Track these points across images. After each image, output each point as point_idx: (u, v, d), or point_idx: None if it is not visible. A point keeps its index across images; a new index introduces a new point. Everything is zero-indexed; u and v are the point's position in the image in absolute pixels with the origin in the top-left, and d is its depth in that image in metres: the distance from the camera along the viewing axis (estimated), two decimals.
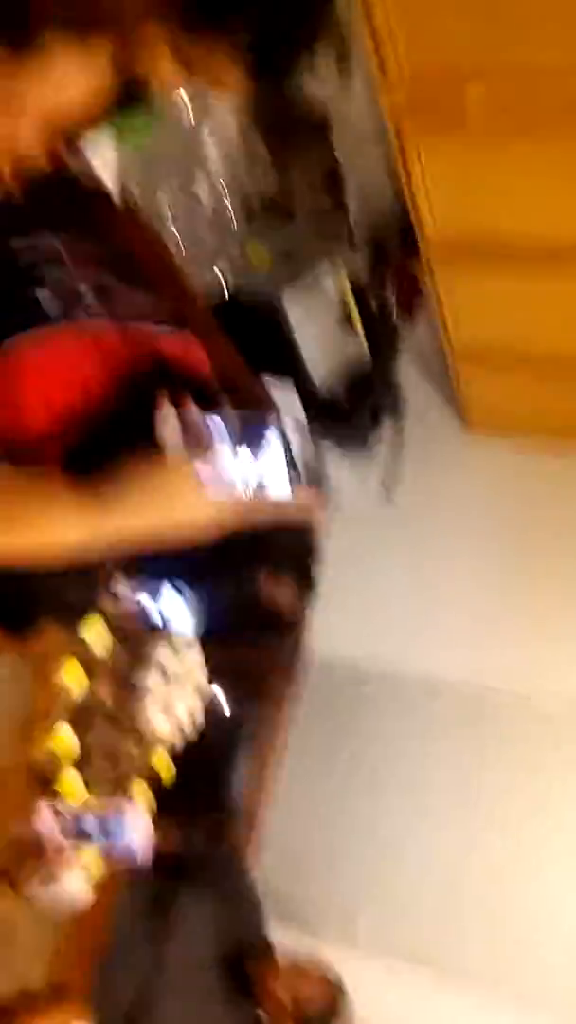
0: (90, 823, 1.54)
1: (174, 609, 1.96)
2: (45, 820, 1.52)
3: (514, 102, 1.73)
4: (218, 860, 2.65)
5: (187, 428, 0.81)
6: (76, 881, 1.90)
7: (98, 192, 1.77)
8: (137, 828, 1.56)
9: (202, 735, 2.69)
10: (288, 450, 0.80)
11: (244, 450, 0.80)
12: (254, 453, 0.80)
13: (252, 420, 0.81)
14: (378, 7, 1.64)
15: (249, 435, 0.80)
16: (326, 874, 2.83)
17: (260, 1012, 2.35)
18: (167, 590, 1.90)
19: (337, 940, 2.67)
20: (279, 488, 0.80)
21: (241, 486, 0.80)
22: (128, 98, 1.32)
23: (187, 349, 1.18)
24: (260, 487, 0.81)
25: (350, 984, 2.30)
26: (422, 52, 1.73)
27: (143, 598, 1.91)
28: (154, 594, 1.91)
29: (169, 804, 2.58)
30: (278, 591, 2.53)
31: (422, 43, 1.71)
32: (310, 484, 0.82)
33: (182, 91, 1.90)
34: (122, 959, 2.31)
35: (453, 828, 2.77)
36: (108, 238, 1.45)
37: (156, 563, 1.23)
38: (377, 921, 2.73)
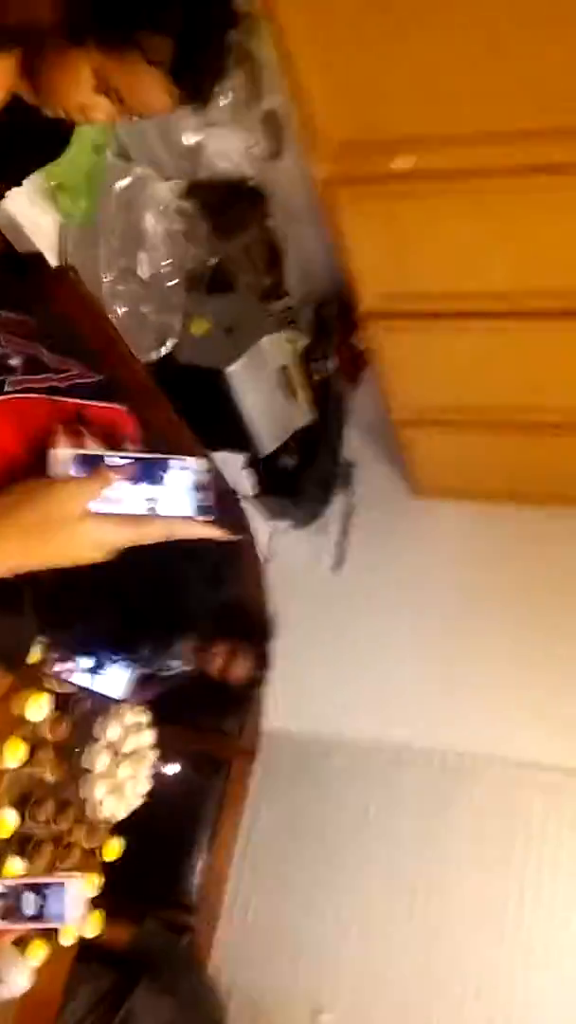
0: (28, 898, 1.45)
1: (115, 683, 1.91)
2: None
3: (442, 169, 1.80)
4: (175, 956, 2.52)
5: (83, 462, 0.81)
6: (20, 977, 1.79)
7: (35, 260, 1.79)
8: (76, 902, 1.48)
9: (157, 821, 2.59)
10: (195, 486, 0.80)
11: (142, 485, 0.80)
12: (152, 486, 0.80)
13: (155, 459, 0.81)
14: (303, 81, 1.71)
15: (149, 471, 0.80)
16: (289, 967, 2.71)
17: None
18: (110, 665, 1.86)
19: None
20: (179, 511, 0.80)
21: (134, 511, 0.80)
22: (57, 142, 1.36)
23: (114, 419, 1.17)
24: (153, 512, 0.80)
25: None
26: (351, 124, 1.80)
27: (81, 674, 1.85)
28: (95, 669, 1.85)
29: (123, 894, 2.46)
30: (234, 666, 2.50)
31: (350, 115, 1.79)
32: (207, 516, 0.81)
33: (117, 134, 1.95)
34: None
35: (422, 911, 2.68)
36: (44, 308, 1.47)
37: (88, 634, 1.19)
38: (344, 1019, 2.61)
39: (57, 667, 1.83)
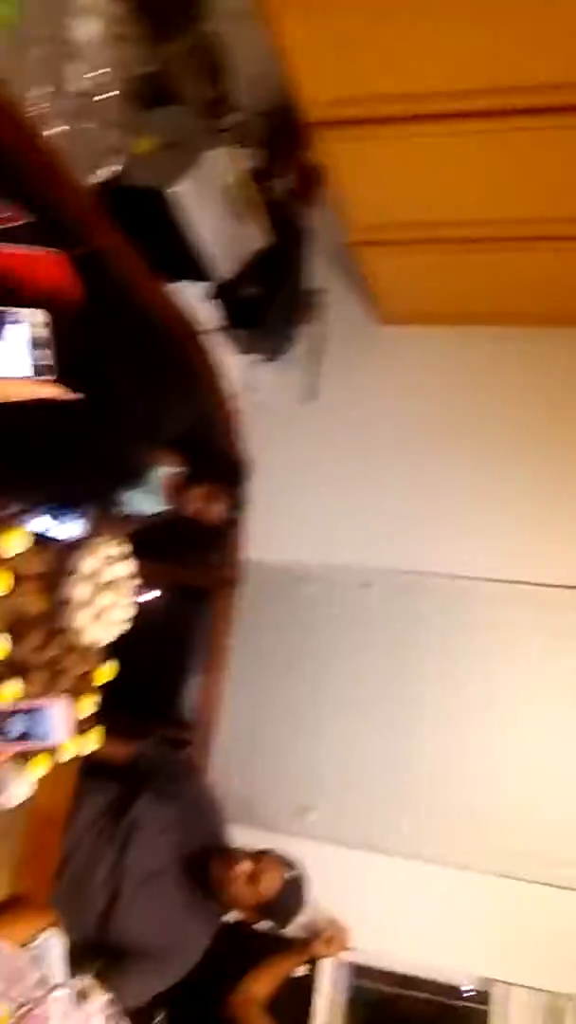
0: (14, 721, 1.54)
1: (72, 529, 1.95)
2: None
3: None
4: (176, 767, 2.70)
5: None
6: (20, 788, 1.92)
7: None
8: (60, 723, 1.57)
9: (151, 646, 2.71)
10: (32, 342, 0.74)
11: None
12: None
13: None
14: None
15: None
16: (278, 773, 2.91)
17: (222, 907, 2.44)
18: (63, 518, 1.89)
19: (291, 833, 2.76)
20: (13, 372, 0.74)
21: None
22: None
23: (36, 263, 1.13)
24: None
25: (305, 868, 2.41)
26: None
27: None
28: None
29: (124, 714, 2.61)
30: (210, 507, 2.54)
31: None
32: (42, 374, 0.75)
33: None
34: (84, 866, 2.35)
35: (393, 718, 2.86)
36: None
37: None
38: (327, 814, 2.83)
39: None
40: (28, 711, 1.55)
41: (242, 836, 2.57)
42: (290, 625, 3.01)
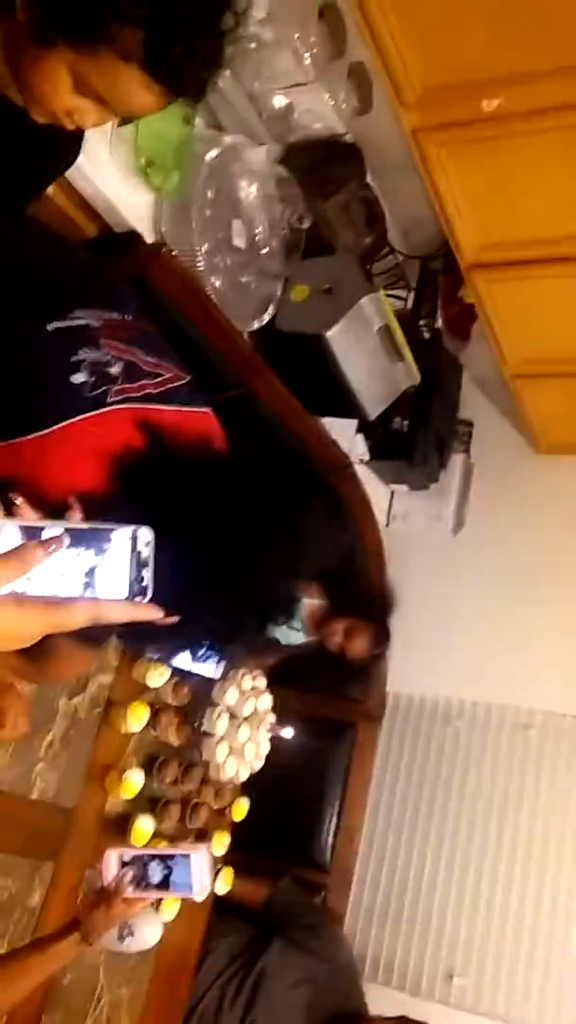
0: (154, 868, 1.50)
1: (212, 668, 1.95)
2: (109, 867, 1.50)
3: (531, 107, 1.72)
4: (310, 913, 2.57)
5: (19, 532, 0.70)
6: (151, 932, 1.88)
7: (131, 238, 1.83)
8: (202, 871, 1.51)
9: (289, 784, 2.64)
10: (134, 562, 0.72)
11: (79, 553, 0.71)
12: (92, 557, 0.71)
13: (96, 529, 0.72)
14: (384, 30, 1.66)
15: (89, 541, 0.71)
16: (420, 930, 2.71)
17: None
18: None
19: (433, 1000, 2.55)
20: (108, 592, 0.71)
21: (66, 589, 0.70)
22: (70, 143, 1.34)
23: (201, 425, 1.16)
24: (90, 586, 0.71)
25: None
26: (433, 71, 1.74)
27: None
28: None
29: (259, 854, 2.53)
30: (353, 642, 2.49)
31: (432, 62, 1.73)
32: (142, 595, 0.73)
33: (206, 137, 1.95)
34: (212, 1018, 2.25)
35: (551, 877, 2.62)
36: (149, 294, 1.47)
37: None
38: (474, 982, 2.60)
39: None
40: (165, 857, 1.51)
41: (377, 996, 2.39)
42: (437, 766, 2.86)
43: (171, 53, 1.01)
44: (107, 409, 1.04)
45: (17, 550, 0.68)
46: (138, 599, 0.72)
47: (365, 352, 2.24)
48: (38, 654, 1.15)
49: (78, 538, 0.70)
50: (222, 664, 1.89)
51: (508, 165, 1.92)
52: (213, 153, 1.93)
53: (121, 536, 0.72)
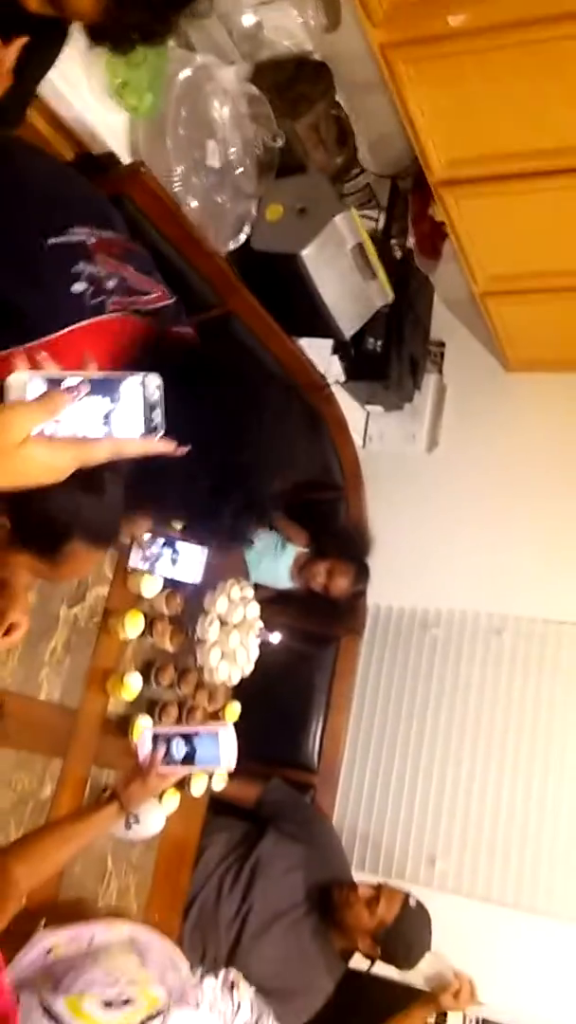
0: (181, 744, 1.62)
1: (193, 570, 2.05)
2: (144, 744, 1.63)
3: (496, 21, 1.76)
4: (300, 809, 2.74)
5: (43, 386, 0.80)
6: (155, 820, 2.01)
7: (108, 160, 1.87)
8: (230, 745, 1.64)
9: (277, 690, 2.78)
10: (146, 404, 0.82)
11: (97, 402, 0.80)
12: (107, 403, 0.81)
13: (110, 377, 0.82)
14: None
15: (104, 388, 0.81)
16: (403, 820, 2.90)
17: (346, 949, 2.44)
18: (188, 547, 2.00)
19: (417, 882, 2.74)
20: (125, 432, 0.81)
21: (88, 430, 0.80)
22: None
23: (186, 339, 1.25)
24: (108, 428, 0.81)
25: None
26: None
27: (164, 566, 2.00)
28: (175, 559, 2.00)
29: (249, 757, 2.68)
30: (335, 581, 2.67)
31: None
32: (156, 433, 0.83)
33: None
34: (212, 904, 2.41)
35: (525, 765, 2.81)
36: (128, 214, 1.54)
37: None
38: (454, 865, 2.79)
39: (137, 562, 1.97)
40: (191, 735, 1.63)
41: (364, 878, 2.57)
42: (416, 670, 3.02)
43: None
44: (107, 316, 1.12)
45: (45, 396, 0.78)
46: (151, 436, 0.82)
47: (339, 270, 2.30)
48: (52, 555, 1.25)
49: (96, 386, 0.80)
50: (202, 568, 2.00)
51: (475, 80, 1.97)
52: (186, 73, 1.96)
53: (132, 382, 0.81)
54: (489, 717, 2.88)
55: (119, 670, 2.03)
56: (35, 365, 0.83)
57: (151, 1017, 0.98)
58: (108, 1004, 0.97)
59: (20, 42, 1.25)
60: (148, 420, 0.82)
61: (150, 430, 0.82)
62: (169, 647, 2.13)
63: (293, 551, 2.76)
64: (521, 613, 2.95)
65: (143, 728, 1.62)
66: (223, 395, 1.11)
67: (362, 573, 2.74)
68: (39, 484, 0.82)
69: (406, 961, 2.42)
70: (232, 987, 1.07)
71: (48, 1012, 0.95)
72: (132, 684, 2.00)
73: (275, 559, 2.75)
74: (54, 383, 0.79)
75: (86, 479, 1.22)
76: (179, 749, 1.60)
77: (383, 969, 2.49)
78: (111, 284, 1.17)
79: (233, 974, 1.10)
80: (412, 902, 2.36)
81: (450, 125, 2.10)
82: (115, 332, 1.13)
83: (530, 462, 3.12)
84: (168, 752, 1.60)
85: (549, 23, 1.80)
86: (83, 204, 1.27)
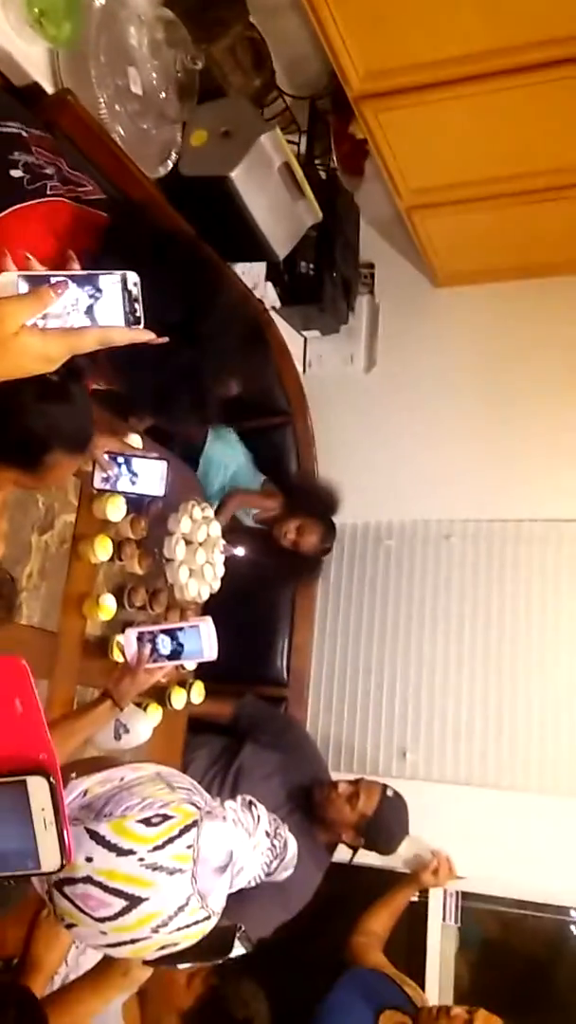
0: (165, 640, 1.72)
1: (153, 482, 2.13)
2: (131, 644, 1.72)
3: None
4: (274, 720, 2.87)
5: (30, 283, 0.86)
6: (143, 728, 2.12)
7: (33, 90, 1.89)
8: (210, 637, 1.74)
9: (242, 610, 2.88)
10: (127, 298, 0.88)
11: (81, 294, 0.88)
12: (90, 298, 0.88)
13: (92, 274, 0.89)
14: None
15: (87, 284, 0.88)
16: (372, 720, 3.06)
17: (329, 841, 2.59)
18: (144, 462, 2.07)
19: (391, 775, 2.91)
20: (112, 321, 0.89)
21: (75, 322, 0.87)
22: None
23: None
24: (91, 319, 0.88)
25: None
26: None
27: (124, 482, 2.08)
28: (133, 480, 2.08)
29: (221, 676, 2.79)
30: (305, 538, 2.82)
31: None
32: (137, 323, 0.90)
33: None
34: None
35: (483, 656, 2.98)
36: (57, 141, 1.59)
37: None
38: (424, 754, 2.97)
39: (100, 482, 2.04)
40: (174, 631, 1.73)
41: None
42: (374, 580, 3.16)
43: None
44: (50, 198, 1.18)
45: (33, 291, 0.85)
46: (134, 327, 0.90)
47: (268, 191, 2.36)
48: (35, 467, 1.32)
49: (79, 281, 0.88)
50: (163, 482, 2.08)
51: None
52: (101, 1, 1.98)
53: (112, 279, 0.89)
54: (444, 615, 3.04)
55: (93, 593, 2.11)
56: (22, 266, 0.89)
57: (187, 828, 1.07)
58: (147, 822, 1.06)
59: None
60: (129, 312, 0.90)
61: (132, 322, 0.90)
62: (139, 570, 2.22)
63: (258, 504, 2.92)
64: (467, 516, 3.10)
65: (128, 630, 1.71)
66: (182, 278, 1.19)
67: (330, 532, 2.91)
68: (33, 373, 0.88)
69: (388, 847, 2.57)
70: (251, 804, 1.21)
71: (95, 835, 1.05)
72: (108, 604, 2.08)
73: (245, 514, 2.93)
74: (41, 280, 0.86)
75: (56, 390, 1.29)
76: (164, 645, 1.70)
77: (365, 857, 2.65)
78: (48, 171, 1.23)
79: (249, 797, 1.24)
80: (390, 792, 2.51)
81: (364, 38, 2.15)
82: (58, 213, 1.20)
83: (463, 372, 3.24)
84: (155, 649, 1.70)
85: None
86: (15, 107, 1.33)
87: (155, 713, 2.22)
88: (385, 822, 2.48)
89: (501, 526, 3.06)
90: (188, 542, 2.32)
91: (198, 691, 2.46)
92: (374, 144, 2.50)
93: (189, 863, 1.06)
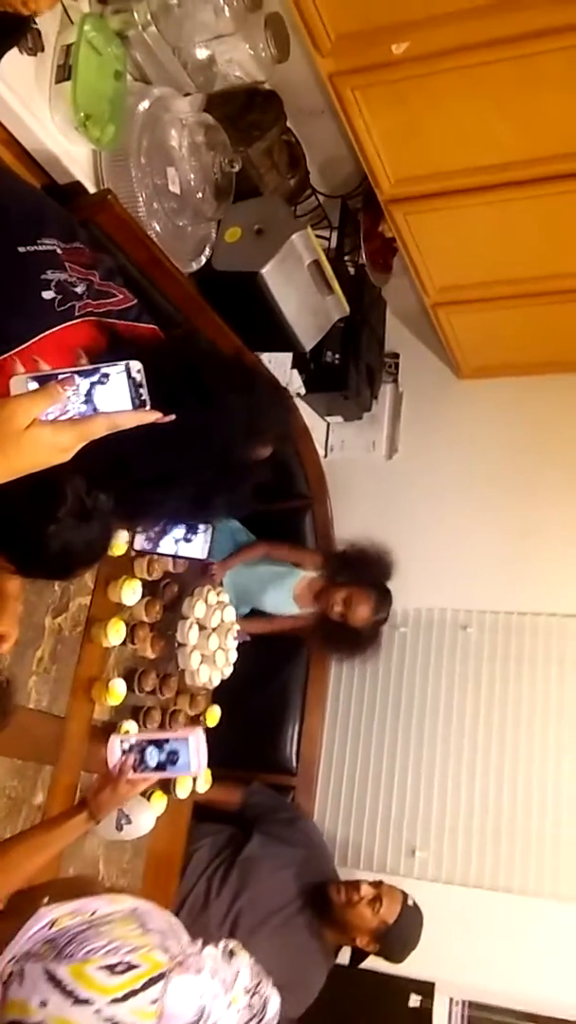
0: (153, 751, 1.68)
1: (198, 547, 2.12)
2: (115, 753, 1.68)
3: (436, 48, 1.90)
4: (284, 810, 2.81)
5: (40, 382, 0.92)
6: (146, 819, 2.08)
7: (75, 189, 1.96)
8: (200, 750, 1.70)
9: (252, 696, 2.85)
10: (132, 385, 0.94)
11: (88, 386, 0.94)
12: (99, 388, 0.94)
13: (97, 368, 0.95)
14: None
15: (93, 377, 0.94)
16: (382, 815, 2.98)
17: (336, 943, 2.51)
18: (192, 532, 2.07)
19: (400, 874, 2.83)
20: (118, 407, 0.94)
21: (83, 412, 0.93)
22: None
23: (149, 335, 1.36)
24: (96, 412, 0.94)
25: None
26: (345, 18, 1.91)
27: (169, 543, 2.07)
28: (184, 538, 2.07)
29: (229, 762, 2.74)
30: (354, 610, 2.61)
31: (343, 9, 1.90)
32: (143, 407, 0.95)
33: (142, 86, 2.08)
34: (200, 907, 2.46)
35: (493, 755, 2.92)
36: (96, 239, 1.65)
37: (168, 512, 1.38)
38: (435, 853, 2.89)
39: (142, 544, 2.04)
40: (162, 742, 1.69)
41: (347, 877, 2.65)
42: (387, 667, 3.12)
43: None
44: (76, 321, 1.22)
45: (44, 388, 0.91)
46: (140, 410, 0.95)
47: (297, 287, 2.41)
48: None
49: (86, 375, 0.94)
50: (207, 543, 2.07)
51: (418, 103, 2.11)
52: (144, 105, 2.06)
53: (116, 369, 0.95)
54: (459, 709, 2.99)
55: (103, 677, 2.10)
56: (31, 368, 0.95)
57: (154, 980, 1.00)
58: (111, 969, 1.00)
59: None
60: (135, 397, 0.95)
61: (138, 406, 0.95)
62: (151, 653, 2.21)
63: (297, 576, 2.78)
64: (484, 607, 3.08)
65: (112, 737, 1.67)
66: (198, 380, 1.21)
67: (383, 601, 2.64)
68: (48, 464, 0.92)
69: (400, 957, 2.48)
70: (231, 954, 1.12)
71: (52, 978, 0.99)
72: (117, 690, 2.07)
73: (280, 587, 2.77)
74: (49, 378, 0.93)
75: (79, 510, 1.32)
76: (152, 756, 1.66)
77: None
78: (79, 289, 1.27)
79: (233, 944, 1.15)
80: (410, 902, 2.44)
81: (397, 146, 2.23)
82: (85, 334, 1.22)
83: (485, 463, 3.26)
84: (142, 760, 1.66)
85: (482, 49, 1.94)
86: (53, 219, 1.37)
87: (159, 802, 2.18)
88: (404, 932, 2.41)
89: (519, 619, 3.03)
90: (202, 627, 2.31)
91: (204, 778, 2.42)
92: (403, 244, 2.57)
93: (152, 1020, 0.99)
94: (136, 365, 0.95)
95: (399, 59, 1.96)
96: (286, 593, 2.80)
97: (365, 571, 2.64)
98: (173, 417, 1.01)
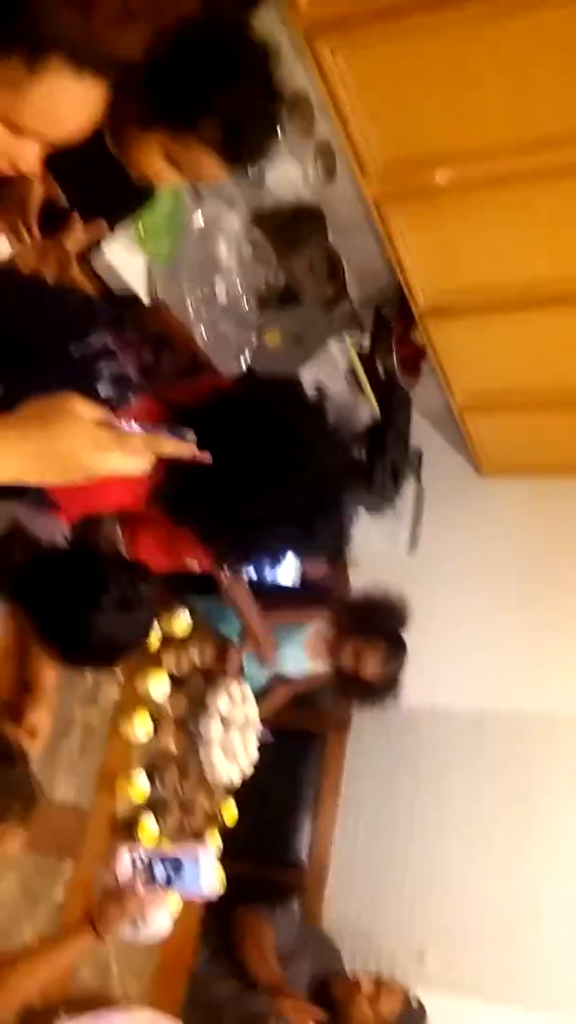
0: (162, 869, 1.67)
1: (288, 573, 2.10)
2: (123, 867, 1.67)
3: (475, 178, 2.01)
4: (290, 911, 2.77)
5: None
6: (160, 921, 2.05)
7: (130, 299, 2.06)
8: (209, 871, 1.69)
9: (265, 789, 2.82)
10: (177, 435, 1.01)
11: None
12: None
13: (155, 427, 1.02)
14: (351, 114, 1.95)
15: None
16: (393, 913, 2.94)
17: None
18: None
19: (408, 979, 2.77)
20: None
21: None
22: (138, 199, 1.63)
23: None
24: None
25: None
26: (391, 146, 2.03)
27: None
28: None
29: (240, 857, 2.72)
30: (366, 662, 2.48)
31: (390, 138, 2.02)
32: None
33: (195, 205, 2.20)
34: (208, 1003, 2.42)
35: (511, 858, 2.88)
36: (145, 328, 1.74)
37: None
38: (443, 959, 2.84)
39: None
40: (171, 859, 1.68)
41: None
42: (400, 767, 3.11)
43: (242, 142, 1.37)
44: (133, 405, 1.29)
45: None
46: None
47: (332, 391, 2.50)
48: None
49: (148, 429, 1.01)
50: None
51: (457, 227, 2.23)
52: (199, 222, 2.18)
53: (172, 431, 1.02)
54: (474, 810, 2.97)
55: (126, 771, 2.10)
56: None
57: None
58: None
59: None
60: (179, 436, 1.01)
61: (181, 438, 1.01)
62: (173, 748, 2.22)
63: (307, 629, 2.65)
64: (501, 707, 3.07)
65: (121, 850, 1.67)
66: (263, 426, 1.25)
67: (394, 651, 2.50)
68: (79, 461, 0.93)
69: None
70: None
71: None
72: (140, 785, 2.07)
73: (291, 643, 2.65)
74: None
75: (121, 598, 1.36)
76: (161, 873, 1.65)
77: None
78: (130, 372, 1.34)
79: None
80: (414, 1003, 2.40)
81: (434, 263, 2.34)
82: (141, 413, 1.29)
83: (504, 561, 3.30)
84: (152, 875, 1.65)
85: (516, 180, 2.06)
86: (101, 310, 1.46)
87: (175, 901, 2.16)
88: None
89: (535, 719, 3.02)
90: (225, 722, 2.32)
91: (219, 878, 2.39)
92: (433, 352, 2.66)
93: None
94: (185, 431, 1.02)
95: (440, 187, 2.07)
96: (298, 649, 2.68)
97: (375, 622, 2.53)
98: (207, 454, 1.05)
